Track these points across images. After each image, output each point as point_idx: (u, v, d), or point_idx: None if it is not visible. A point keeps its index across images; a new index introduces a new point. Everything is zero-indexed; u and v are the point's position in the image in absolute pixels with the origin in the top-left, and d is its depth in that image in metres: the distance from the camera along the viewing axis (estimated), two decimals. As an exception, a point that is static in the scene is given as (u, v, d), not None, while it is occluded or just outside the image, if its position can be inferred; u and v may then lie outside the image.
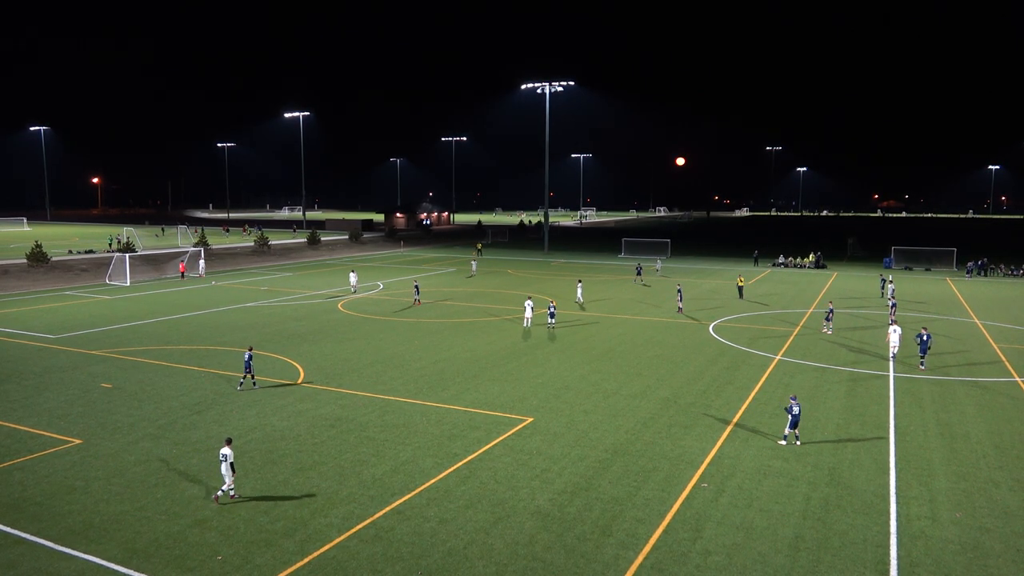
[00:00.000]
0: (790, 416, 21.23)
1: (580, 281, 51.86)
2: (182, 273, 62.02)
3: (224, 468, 17.15)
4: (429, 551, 15.06)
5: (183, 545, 15.26)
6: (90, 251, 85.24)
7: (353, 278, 53.83)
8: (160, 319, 41.94)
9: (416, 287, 48.77)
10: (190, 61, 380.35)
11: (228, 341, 35.56)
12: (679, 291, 46.70)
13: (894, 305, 41.88)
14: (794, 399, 21.58)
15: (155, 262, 68.96)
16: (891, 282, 50.21)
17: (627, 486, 18.34)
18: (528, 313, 39.60)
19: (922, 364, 30.96)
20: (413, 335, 37.23)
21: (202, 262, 64.09)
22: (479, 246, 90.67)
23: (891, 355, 32.19)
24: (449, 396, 26.20)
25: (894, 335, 32.11)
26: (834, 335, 37.65)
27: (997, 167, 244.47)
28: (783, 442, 21.38)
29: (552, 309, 39.85)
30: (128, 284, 57.35)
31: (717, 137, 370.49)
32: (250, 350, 27.05)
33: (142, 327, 39.41)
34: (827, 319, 38.46)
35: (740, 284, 52.00)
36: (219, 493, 17.40)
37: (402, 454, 20.41)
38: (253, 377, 27.06)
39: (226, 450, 17.23)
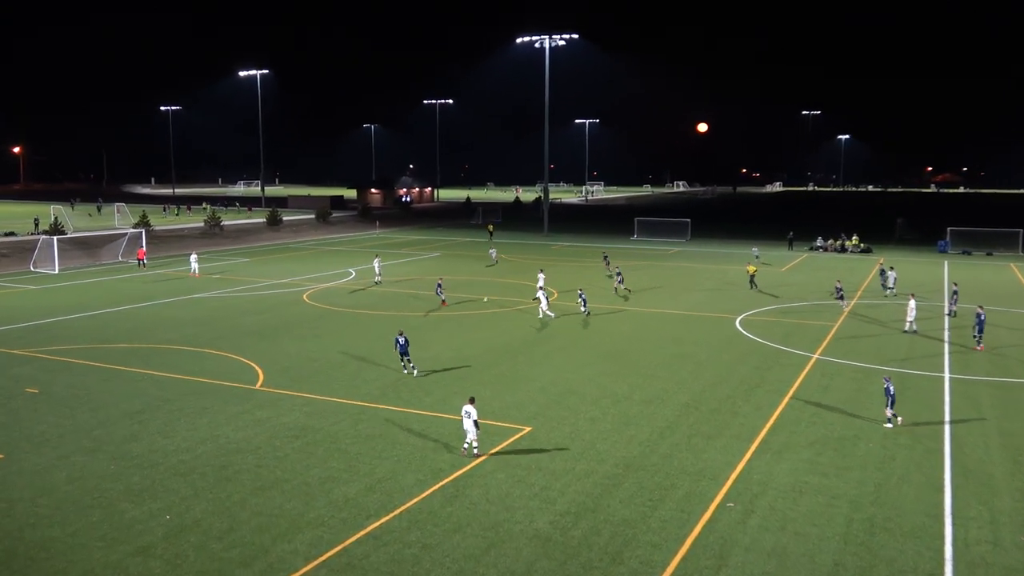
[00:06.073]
0: (888, 397, 23.80)
1: (543, 275, 47.74)
2: (140, 260, 61.08)
3: (468, 423, 20.79)
4: (410, 582, 15.09)
5: (123, 576, 15.26)
6: (11, 233, 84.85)
7: (377, 265, 52.90)
8: (95, 313, 41.82)
9: (439, 285, 45.29)
10: (124, 8, 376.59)
11: (175, 339, 35.48)
12: (619, 273, 49.71)
13: (955, 293, 42.13)
14: (888, 379, 24.42)
15: (88, 246, 68.67)
16: (892, 270, 50.67)
17: (641, 506, 18.40)
18: (544, 304, 40.29)
19: (979, 345, 33.87)
20: (391, 331, 37.18)
21: (195, 260, 57.24)
22: (491, 228, 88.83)
23: (906, 328, 37.13)
24: (434, 402, 26.21)
25: (912, 311, 36.95)
26: (880, 328, 37.85)
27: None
28: (889, 424, 23.89)
29: (541, 296, 40.72)
30: (56, 272, 57.16)
31: (745, 100, 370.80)
32: (401, 333, 29.75)
33: (74, 322, 39.29)
34: (839, 297, 42.60)
35: (751, 272, 51.56)
36: (465, 446, 21.05)
37: (379, 470, 20.42)
38: (410, 361, 29.52)
39: (469, 407, 20.91)
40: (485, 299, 45.51)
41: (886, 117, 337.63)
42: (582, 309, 41.25)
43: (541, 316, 40.10)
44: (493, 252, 67.13)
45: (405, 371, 29.56)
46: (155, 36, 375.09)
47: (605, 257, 60.55)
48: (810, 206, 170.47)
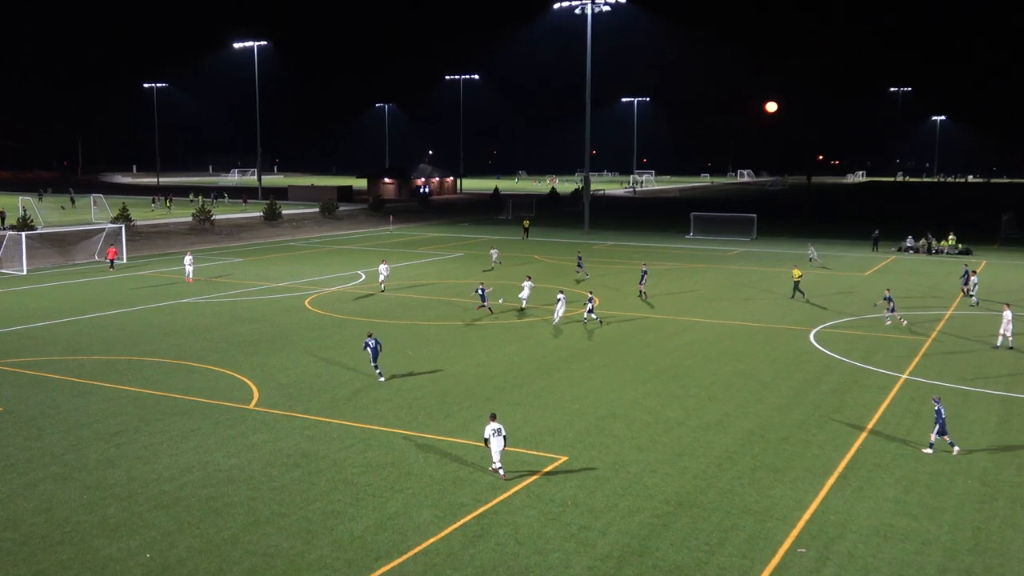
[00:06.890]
0: (939, 420, 23.71)
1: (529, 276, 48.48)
2: (111, 261, 62.05)
3: (497, 442, 21.47)
4: (426, 635, 15.16)
5: (97, 622, 15.46)
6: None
7: (384, 270, 52.30)
8: (68, 320, 42.45)
9: (481, 291, 44.42)
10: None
11: (158, 350, 35.92)
12: (643, 272, 50.73)
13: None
14: (937, 399, 24.29)
15: (61, 243, 69.68)
16: (975, 273, 50.09)
17: (695, 551, 18.32)
18: (560, 309, 40.64)
19: None
20: (406, 343, 37.37)
21: (189, 263, 56.41)
22: (526, 224, 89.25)
23: (998, 343, 37.19)
24: (455, 426, 26.30)
25: (1008, 323, 36.82)
26: (979, 344, 37.37)
27: None
28: (928, 450, 23.97)
29: (560, 299, 41.01)
30: (25, 273, 58.09)
31: (821, 74, 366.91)
32: (371, 335, 31.13)
33: (43, 330, 39.93)
34: (890, 309, 41.99)
35: (796, 277, 50.43)
36: (501, 469, 21.76)
37: (390, 504, 20.52)
38: (376, 367, 31.05)
39: (496, 424, 21.70)
40: (501, 300, 45.75)
41: (989, 97, 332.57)
42: (585, 316, 41.46)
43: (556, 322, 40.77)
44: (494, 253, 64.68)
45: (382, 379, 31.03)
46: (145, 26, 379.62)
47: (579, 258, 60.18)
48: (900, 199, 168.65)
